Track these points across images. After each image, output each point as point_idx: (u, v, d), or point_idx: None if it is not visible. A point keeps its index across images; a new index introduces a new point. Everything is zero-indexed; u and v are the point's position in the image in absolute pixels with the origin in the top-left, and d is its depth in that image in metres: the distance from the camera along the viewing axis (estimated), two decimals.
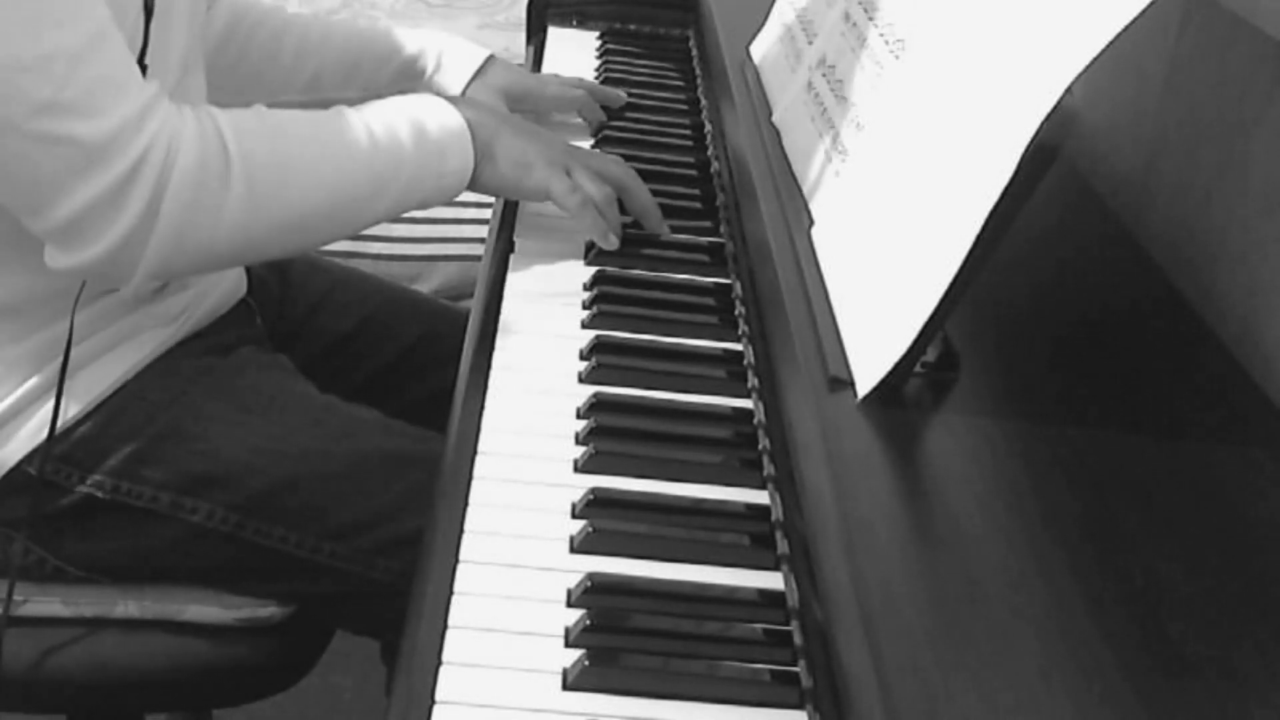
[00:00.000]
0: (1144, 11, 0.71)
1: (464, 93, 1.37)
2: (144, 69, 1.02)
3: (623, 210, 1.17)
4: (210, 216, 0.99)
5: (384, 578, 1.09)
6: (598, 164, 1.17)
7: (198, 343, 1.18)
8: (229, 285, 1.23)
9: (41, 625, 1.11)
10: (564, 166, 1.14)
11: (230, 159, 1.00)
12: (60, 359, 1.06)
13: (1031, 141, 0.75)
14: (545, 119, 1.44)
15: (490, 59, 1.39)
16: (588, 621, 0.76)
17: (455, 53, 1.38)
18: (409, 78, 1.38)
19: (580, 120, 1.44)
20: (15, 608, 1.09)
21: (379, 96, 1.37)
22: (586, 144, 1.39)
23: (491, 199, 1.25)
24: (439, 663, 0.73)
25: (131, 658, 1.12)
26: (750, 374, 1.00)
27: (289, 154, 1.04)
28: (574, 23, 1.71)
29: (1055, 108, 0.74)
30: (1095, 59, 0.72)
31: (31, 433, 1.07)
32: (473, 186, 1.13)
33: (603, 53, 1.63)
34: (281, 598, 1.13)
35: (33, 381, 1.07)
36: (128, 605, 1.12)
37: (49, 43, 0.92)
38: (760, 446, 0.92)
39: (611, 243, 1.14)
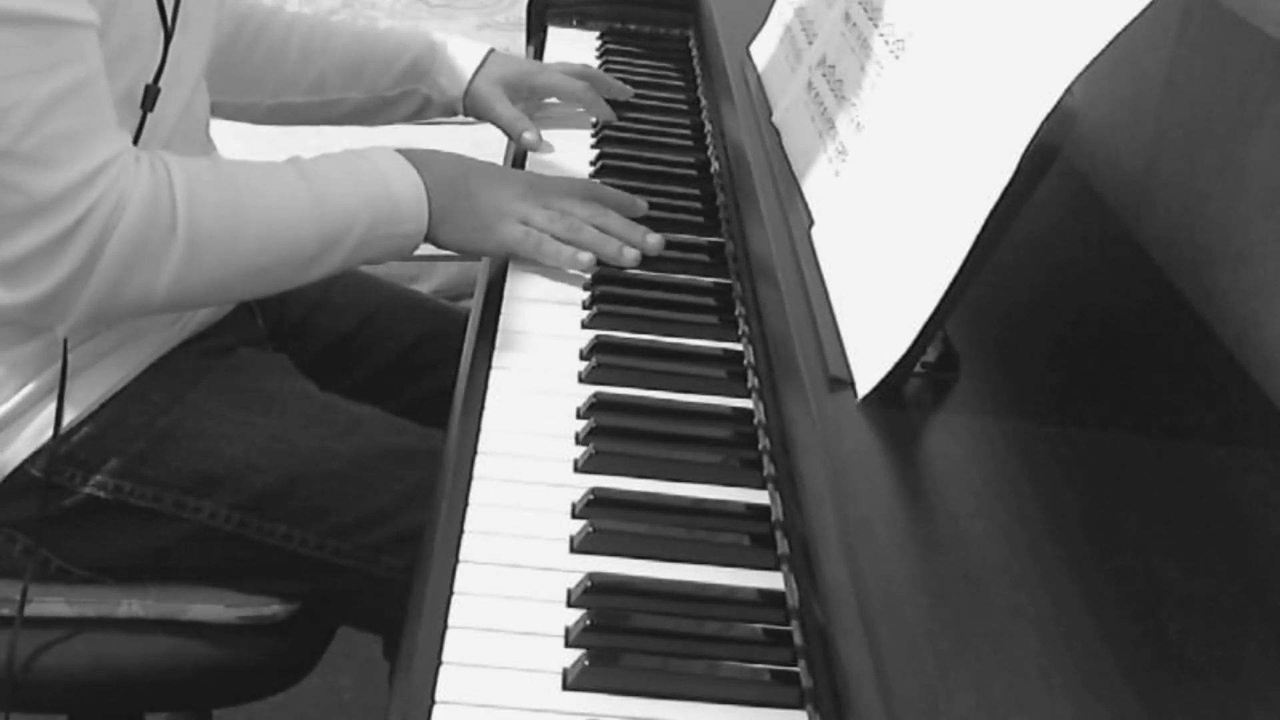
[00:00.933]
0: (1144, 11, 0.71)
1: (466, 91, 1.38)
2: (157, 92, 1.03)
3: None
4: (147, 274, 0.99)
5: (388, 574, 1.10)
6: (562, 203, 1.14)
7: (198, 344, 1.18)
8: None
9: (45, 625, 1.11)
10: (521, 216, 1.12)
11: (177, 221, 0.99)
12: (60, 362, 1.06)
13: (1031, 141, 0.75)
14: (544, 105, 1.45)
15: (490, 54, 1.40)
16: (588, 621, 0.76)
17: (456, 52, 1.39)
18: (412, 79, 1.38)
19: (583, 111, 1.45)
20: (18, 606, 1.08)
21: (382, 98, 1.38)
22: (586, 136, 1.40)
23: None
24: (439, 663, 0.73)
25: (135, 657, 1.12)
26: (750, 374, 1.00)
27: (240, 216, 1.03)
28: (574, 23, 1.71)
29: (1055, 108, 0.74)
30: (1095, 59, 0.72)
31: (34, 435, 1.07)
32: (433, 244, 1.12)
33: (603, 53, 1.63)
34: (285, 596, 1.13)
35: (34, 384, 1.07)
36: (131, 604, 1.12)
37: (17, 92, 0.91)
38: (760, 446, 0.92)
39: (581, 262, 1.11)
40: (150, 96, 1.03)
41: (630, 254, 1.12)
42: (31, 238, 0.95)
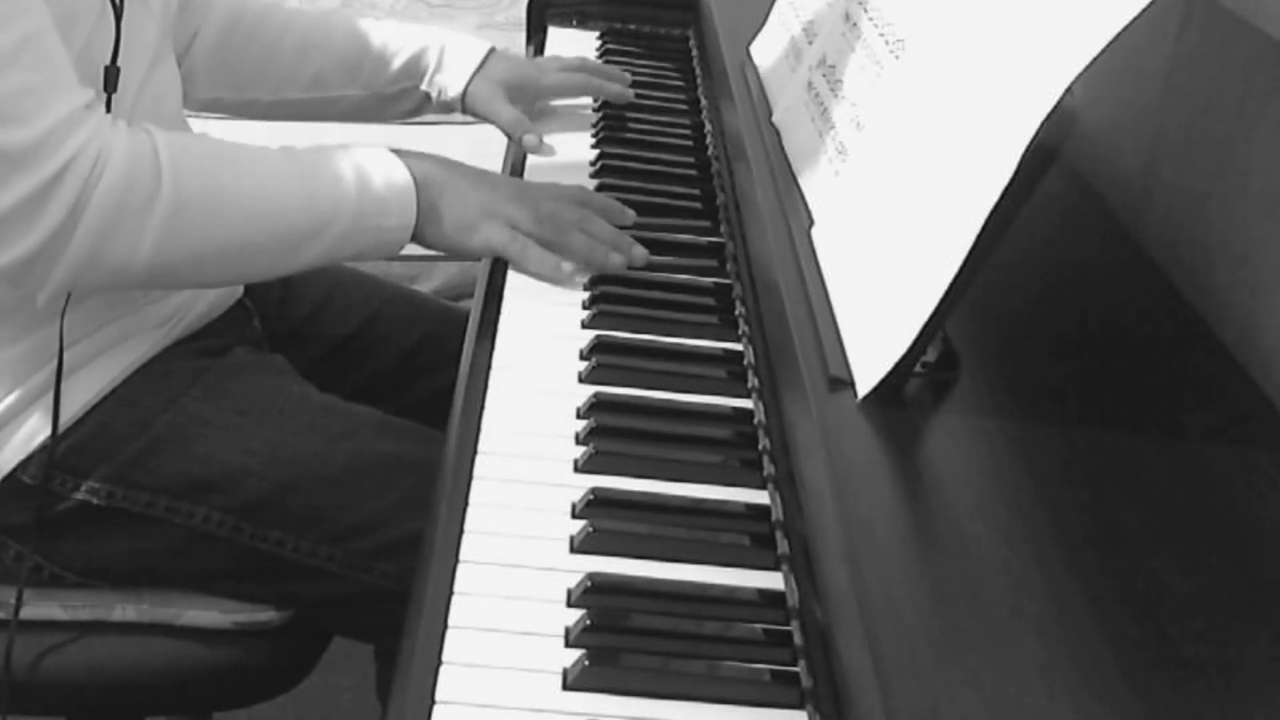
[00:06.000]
0: (1144, 11, 0.71)
1: (466, 90, 1.37)
2: (117, 71, 1.02)
3: None
4: (131, 235, 0.98)
5: (381, 582, 1.09)
6: (550, 207, 1.13)
7: (191, 344, 1.17)
8: (223, 288, 1.23)
9: (39, 629, 1.11)
10: (508, 219, 1.11)
11: (161, 181, 0.98)
12: (49, 366, 1.06)
13: (1031, 141, 0.75)
14: (545, 104, 1.45)
15: (491, 53, 1.39)
16: (588, 621, 0.76)
17: (456, 50, 1.38)
18: (411, 76, 1.38)
19: (583, 111, 1.44)
20: (13, 611, 1.08)
21: (381, 95, 1.38)
22: (586, 136, 1.40)
23: None
24: (439, 663, 0.73)
25: (129, 661, 1.12)
26: (750, 374, 1.00)
27: (225, 186, 1.03)
28: (574, 23, 1.71)
29: (1055, 108, 0.74)
30: (1095, 59, 0.72)
31: (23, 441, 1.07)
32: (418, 243, 1.11)
33: (603, 53, 1.63)
34: (279, 602, 1.13)
35: (21, 390, 1.07)
36: (125, 609, 1.12)
37: None
38: (760, 446, 0.92)
39: (563, 272, 1.10)
40: (111, 77, 1.02)
41: (616, 259, 1.12)
42: (11, 195, 0.94)
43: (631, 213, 1.17)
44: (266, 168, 1.05)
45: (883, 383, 0.82)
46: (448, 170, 1.12)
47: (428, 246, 1.13)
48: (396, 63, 1.37)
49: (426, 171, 1.10)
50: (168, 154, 0.99)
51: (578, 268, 1.11)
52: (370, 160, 1.09)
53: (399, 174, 1.09)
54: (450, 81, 1.37)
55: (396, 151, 1.11)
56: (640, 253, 1.13)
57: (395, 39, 1.37)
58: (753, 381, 0.99)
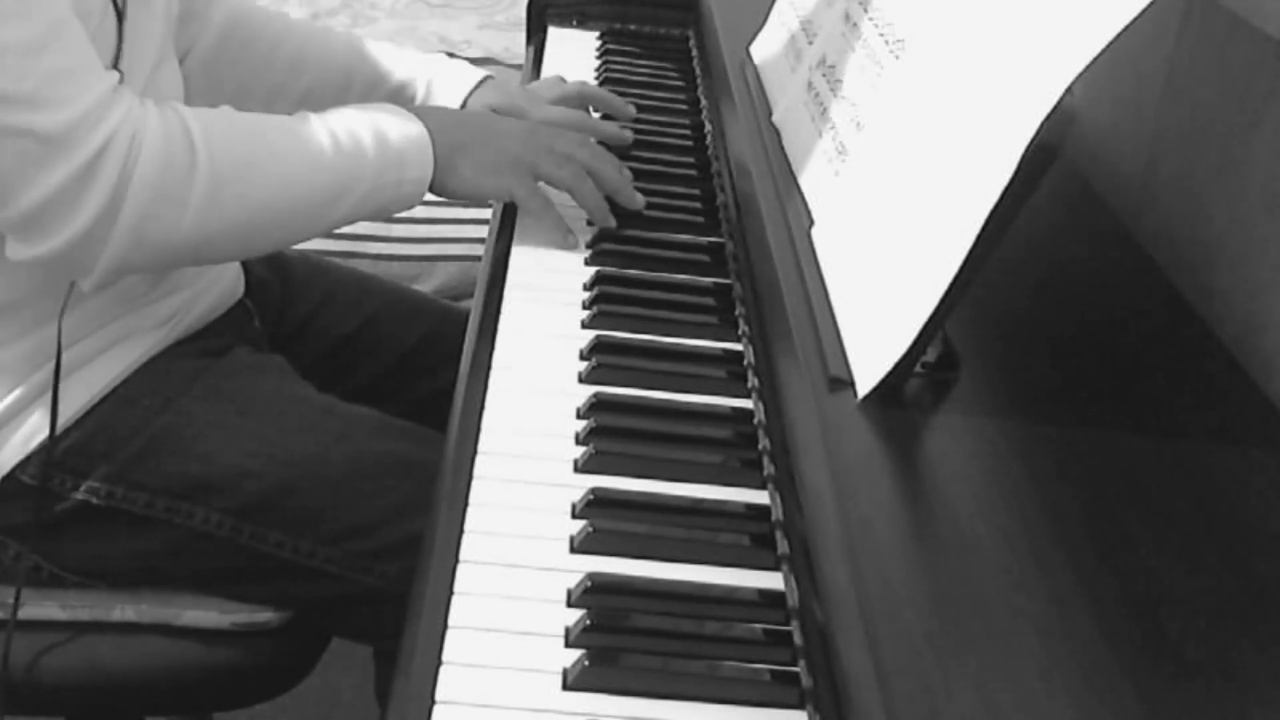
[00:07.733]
0: (1144, 11, 0.71)
1: None
2: (119, 73, 1.02)
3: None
4: (174, 211, 0.99)
5: (380, 583, 1.09)
6: (564, 147, 1.17)
7: (191, 344, 1.17)
8: (224, 287, 1.23)
9: (39, 629, 1.11)
10: (528, 166, 1.15)
11: (196, 154, 1.00)
12: (49, 365, 1.06)
13: (1031, 141, 0.75)
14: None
15: (484, 81, 1.32)
16: (588, 621, 0.76)
17: (446, 80, 1.33)
18: (400, 101, 1.34)
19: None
20: (12, 611, 1.08)
21: None
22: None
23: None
24: (439, 663, 0.73)
25: (128, 661, 1.12)
26: (750, 374, 1.00)
27: (255, 153, 1.04)
28: (574, 23, 1.71)
29: (1055, 108, 0.74)
30: (1095, 59, 0.72)
31: (23, 440, 1.07)
32: (436, 193, 1.14)
33: (603, 53, 1.63)
34: (278, 602, 1.13)
35: (22, 388, 1.07)
36: (125, 609, 1.12)
37: (2, 36, 0.91)
38: (760, 446, 0.92)
39: (569, 243, 1.16)
40: None
41: (613, 221, 1.19)
42: (54, 179, 0.95)
43: (629, 133, 1.30)
44: (291, 135, 1.07)
45: (883, 383, 0.82)
46: (460, 119, 1.16)
47: (445, 195, 1.15)
48: (386, 86, 1.34)
49: (440, 120, 1.13)
50: (199, 128, 1.01)
51: (573, 239, 1.17)
52: (384, 117, 1.11)
53: (413, 126, 1.11)
54: None
55: (409, 106, 1.14)
56: (639, 200, 1.20)
57: (389, 63, 1.34)
58: (753, 381, 0.99)
